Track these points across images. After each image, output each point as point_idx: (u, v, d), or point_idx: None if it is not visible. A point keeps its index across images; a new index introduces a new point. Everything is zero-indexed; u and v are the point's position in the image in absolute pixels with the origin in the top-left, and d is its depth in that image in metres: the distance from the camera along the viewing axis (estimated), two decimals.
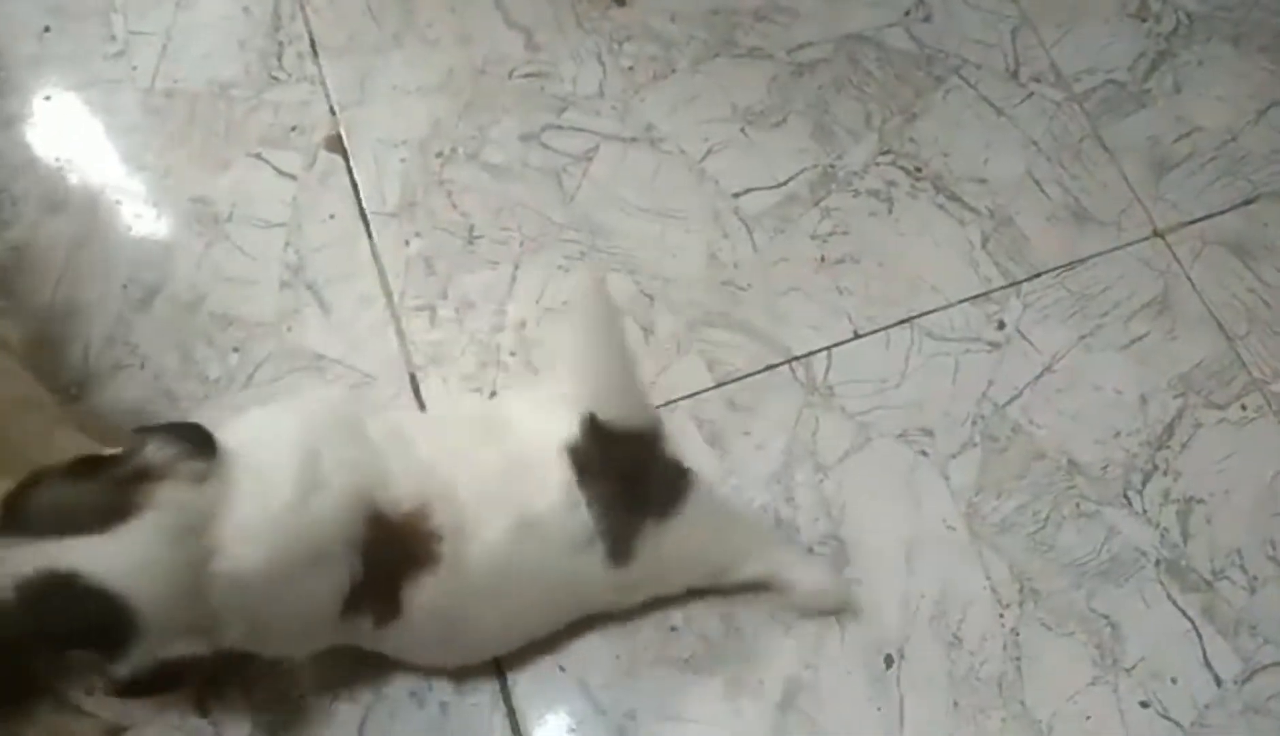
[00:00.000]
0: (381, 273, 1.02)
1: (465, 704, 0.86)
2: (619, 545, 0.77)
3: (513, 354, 0.99)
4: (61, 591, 0.61)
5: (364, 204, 1.05)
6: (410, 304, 1.01)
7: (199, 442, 0.68)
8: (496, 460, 0.77)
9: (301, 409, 0.78)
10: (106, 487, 0.64)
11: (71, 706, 0.85)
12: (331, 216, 1.04)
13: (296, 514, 0.68)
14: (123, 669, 0.63)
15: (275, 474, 0.69)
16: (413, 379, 0.98)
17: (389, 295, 1.01)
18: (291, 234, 1.03)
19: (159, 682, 0.65)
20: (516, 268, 1.03)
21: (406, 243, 1.04)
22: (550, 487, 0.75)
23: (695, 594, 0.89)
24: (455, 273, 1.03)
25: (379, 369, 0.98)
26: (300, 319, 0.99)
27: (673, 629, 0.89)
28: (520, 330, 1.00)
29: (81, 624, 0.63)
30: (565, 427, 0.76)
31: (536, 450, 0.76)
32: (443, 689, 0.86)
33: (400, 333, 1.00)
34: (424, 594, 0.73)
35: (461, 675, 0.86)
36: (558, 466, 0.75)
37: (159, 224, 1.04)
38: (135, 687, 0.65)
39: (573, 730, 0.86)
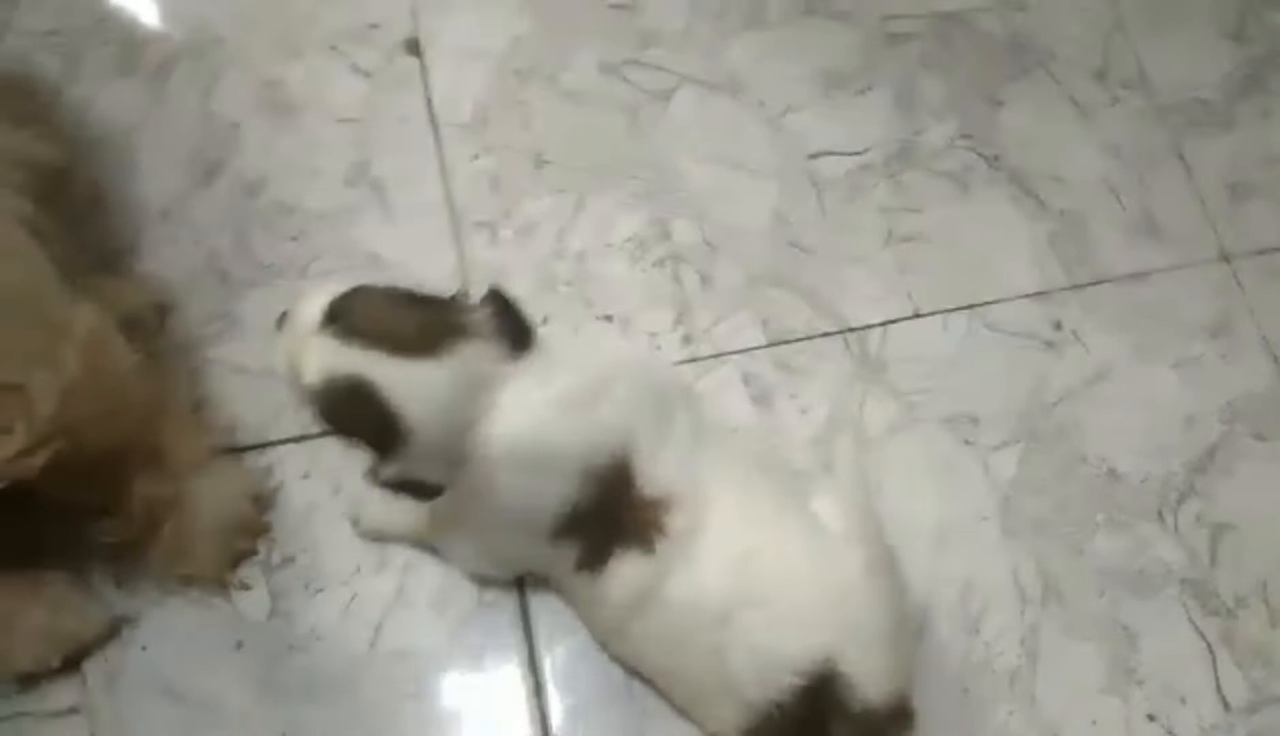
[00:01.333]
0: (446, 184, 1.01)
1: (485, 619, 0.86)
2: None
3: (568, 284, 0.99)
4: (358, 396, 0.70)
5: (436, 112, 1.03)
6: (472, 219, 1.00)
7: (521, 332, 0.74)
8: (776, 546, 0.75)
9: (630, 351, 0.87)
10: (423, 324, 0.72)
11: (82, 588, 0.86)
12: (402, 120, 1.03)
13: (566, 412, 0.72)
14: (381, 470, 0.73)
15: (572, 374, 0.74)
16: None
17: (452, 207, 1.00)
18: (361, 132, 1.02)
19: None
20: (582, 198, 1.02)
21: (475, 157, 1.03)
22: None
23: None
24: (520, 195, 1.02)
25: (434, 280, 0.97)
26: (361, 218, 0.98)
27: None
28: (579, 261, 0.99)
29: (363, 426, 0.72)
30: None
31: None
32: (462, 602, 0.86)
33: (459, 247, 0.99)
34: (625, 569, 0.74)
35: (484, 589, 0.87)
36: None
37: (228, 103, 1.02)
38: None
39: (586, 659, 0.86)
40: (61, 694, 0.83)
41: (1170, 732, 0.88)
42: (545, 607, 0.87)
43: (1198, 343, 1.03)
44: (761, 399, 0.96)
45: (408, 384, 0.70)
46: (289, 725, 0.83)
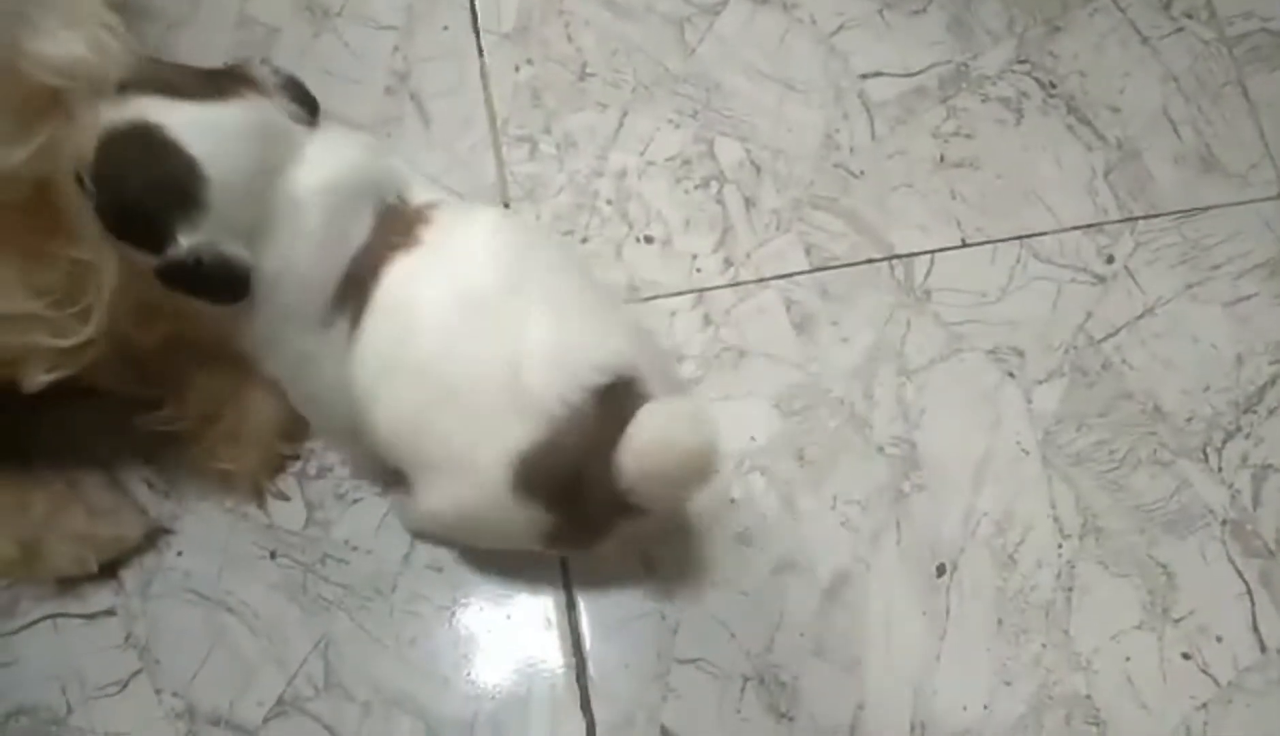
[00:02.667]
0: (488, 95, 0.99)
1: None
2: None
3: (609, 202, 0.97)
4: (144, 139, 0.65)
5: (479, 20, 1.01)
6: (513, 132, 0.98)
7: (310, 100, 0.72)
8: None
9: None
10: (211, 78, 0.69)
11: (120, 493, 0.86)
12: (445, 28, 1.00)
13: (371, 153, 0.73)
14: (182, 241, 0.66)
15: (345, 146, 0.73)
16: (506, 208, 0.96)
17: (493, 119, 0.98)
18: (401, 40, 0.99)
19: (205, 281, 0.68)
20: (625, 114, 0.99)
21: (516, 68, 1.00)
22: None
23: (755, 469, 0.89)
24: (562, 108, 0.99)
25: (473, 192, 0.95)
26: (400, 127, 0.96)
27: (732, 501, 0.89)
28: (620, 179, 0.97)
29: (154, 172, 0.66)
30: None
31: None
32: None
33: (499, 160, 0.97)
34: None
35: None
36: None
37: (265, 5, 1.00)
38: (179, 276, 0.67)
39: (620, 578, 0.86)
40: (97, 596, 0.84)
41: (1205, 671, 0.87)
42: None
43: (1252, 281, 1.00)
44: (802, 326, 0.94)
45: (200, 124, 0.66)
46: (322, 635, 0.84)
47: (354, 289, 0.71)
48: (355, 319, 0.71)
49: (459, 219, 0.73)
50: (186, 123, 0.66)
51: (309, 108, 0.72)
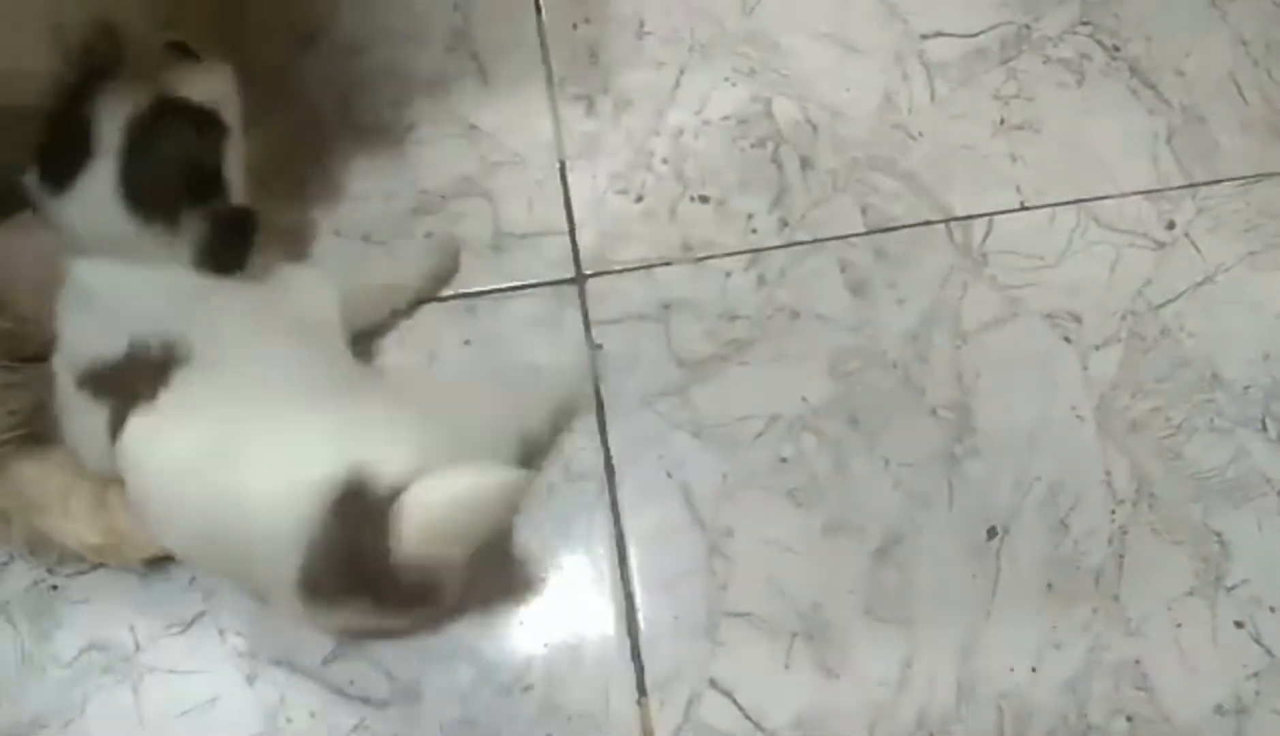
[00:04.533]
0: (546, 53, 0.99)
1: (572, 489, 0.87)
2: None
3: (665, 162, 0.97)
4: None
5: None
6: (570, 91, 0.98)
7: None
8: None
9: None
10: None
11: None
12: None
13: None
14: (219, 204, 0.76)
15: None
16: (562, 167, 0.97)
17: (550, 77, 0.99)
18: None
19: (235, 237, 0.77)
20: (682, 72, 0.99)
21: (574, 27, 1.00)
22: None
23: (808, 429, 0.90)
24: (619, 66, 0.99)
25: (529, 151, 0.96)
26: (459, 85, 0.97)
27: (783, 460, 0.89)
28: (677, 138, 0.97)
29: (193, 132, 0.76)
30: None
31: None
32: (552, 471, 0.88)
33: (556, 118, 0.98)
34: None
35: (572, 461, 0.88)
36: None
37: None
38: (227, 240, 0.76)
39: (670, 535, 0.87)
40: None
41: (1257, 640, 0.87)
42: (631, 480, 0.88)
43: None
44: (857, 288, 0.94)
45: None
46: None
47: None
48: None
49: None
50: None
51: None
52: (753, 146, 0.98)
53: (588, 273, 0.94)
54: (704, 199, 0.96)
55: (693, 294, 0.94)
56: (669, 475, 0.88)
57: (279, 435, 0.72)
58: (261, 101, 0.91)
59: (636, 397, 0.91)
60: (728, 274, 0.94)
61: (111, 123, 0.72)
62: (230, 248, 0.76)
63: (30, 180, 0.74)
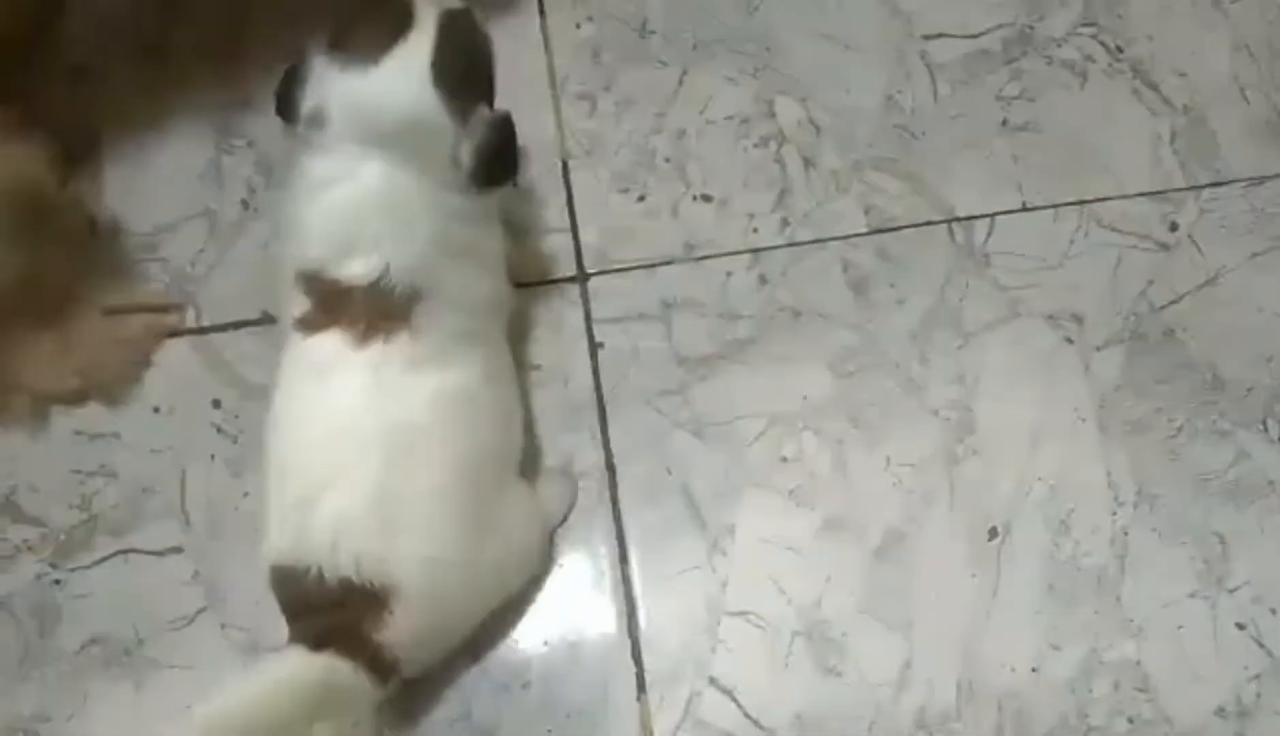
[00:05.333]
0: (549, 51, 0.99)
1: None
2: None
3: (667, 160, 0.97)
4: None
5: None
6: (572, 90, 0.99)
7: None
8: None
9: None
10: None
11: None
12: None
13: None
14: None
15: None
16: (564, 166, 0.97)
17: (553, 76, 0.99)
18: None
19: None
20: (685, 72, 1.00)
21: (577, 26, 1.01)
22: None
23: (808, 429, 0.90)
24: (622, 66, 1.00)
25: (532, 148, 0.96)
26: None
27: (783, 459, 0.89)
28: (679, 137, 0.98)
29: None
30: None
31: None
32: (552, 463, 0.88)
33: (559, 116, 0.98)
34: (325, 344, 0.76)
35: (573, 458, 0.89)
36: None
37: None
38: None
39: (670, 534, 0.87)
40: (164, 534, 0.87)
41: (1259, 642, 0.87)
42: (632, 479, 0.88)
43: None
44: (859, 287, 0.94)
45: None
46: None
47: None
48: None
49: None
50: None
51: None
52: (755, 146, 0.98)
53: (590, 271, 0.94)
54: (706, 198, 0.97)
55: (694, 293, 0.94)
56: (669, 473, 0.89)
57: (396, 490, 0.72)
58: None
59: (637, 396, 0.91)
60: (729, 273, 0.94)
61: (427, 7, 0.74)
62: (507, 153, 0.77)
63: (318, 54, 0.73)
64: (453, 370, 0.75)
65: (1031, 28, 1.02)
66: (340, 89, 0.72)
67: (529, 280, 0.93)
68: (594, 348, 0.92)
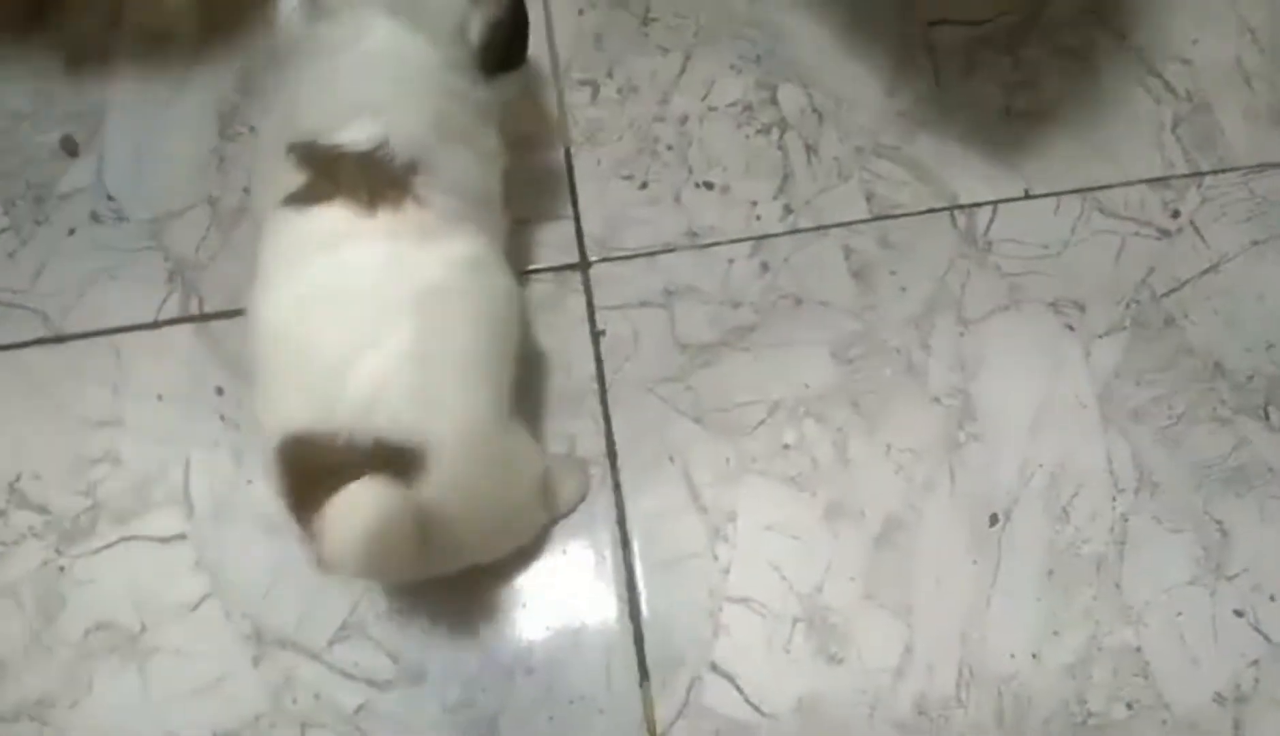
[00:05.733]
0: (551, 38, 0.99)
1: None
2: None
3: (670, 147, 0.97)
4: None
5: None
6: (575, 76, 0.99)
7: None
8: None
9: None
10: None
11: None
12: None
13: None
14: None
15: None
16: (567, 153, 0.97)
17: (555, 62, 0.99)
18: None
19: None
20: (688, 58, 0.99)
21: (580, 12, 1.00)
22: None
23: (810, 415, 0.90)
24: (624, 52, 0.99)
25: (536, 133, 0.96)
26: None
27: (785, 446, 0.89)
28: (682, 124, 0.98)
29: None
30: None
31: None
32: (557, 454, 0.88)
33: (562, 103, 0.98)
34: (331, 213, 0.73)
35: (576, 444, 0.89)
36: None
37: None
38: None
39: (672, 520, 0.88)
40: (170, 521, 0.87)
41: (1257, 628, 0.87)
42: (634, 465, 0.88)
43: None
44: (861, 274, 0.94)
45: None
46: None
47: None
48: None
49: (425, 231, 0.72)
50: None
51: None
52: (758, 133, 0.98)
53: (592, 259, 0.94)
54: (709, 185, 0.97)
55: (696, 280, 0.94)
56: (671, 460, 0.89)
57: (431, 356, 0.70)
58: None
59: (639, 383, 0.91)
60: (731, 260, 0.94)
61: None
62: (515, 34, 0.78)
63: None
64: (461, 241, 0.74)
65: (1036, 14, 1.02)
66: None
67: (531, 267, 0.93)
68: (596, 335, 0.92)
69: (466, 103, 0.76)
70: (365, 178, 0.71)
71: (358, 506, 0.65)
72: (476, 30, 0.75)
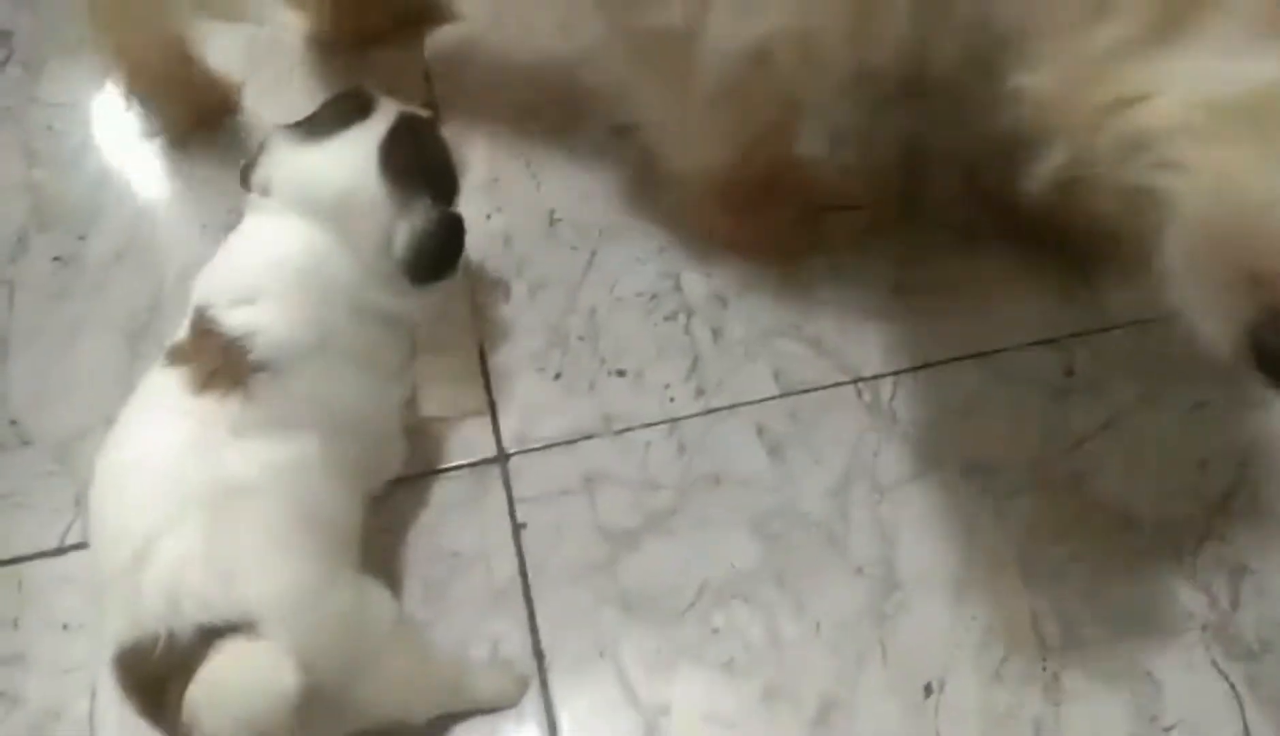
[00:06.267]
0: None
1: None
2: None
3: (581, 338, 1.00)
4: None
5: None
6: (485, 277, 1.02)
7: None
8: None
9: None
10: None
11: None
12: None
13: None
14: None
15: None
16: (481, 351, 0.99)
17: (466, 264, 1.02)
18: None
19: None
20: (594, 254, 1.04)
21: (488, 217, 1.05)
22: None
23: (737, 597, 0.89)
24: (532, 252, 1.03)
25: (450, 337, 0.98)
26: None
27: (714, 630, 0.88)
28: (591, 316, 1.01)
29: None
30: None
31: None
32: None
33: (473, 304, 1.00)
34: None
35: (499, 644, 0.87)
36: None
37: None
38: None
39: (605, 717, 0.85)
40: None
41: None
42: (562, 662, 0.87)
43: (1210, 385, 1.03)
44: (775, 449, 0.96)
45: None
46: None
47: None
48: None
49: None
50: None
51: None
52: (665, 319, 1.01)
53: (510, 451, 0.95)
54: (621, 373, 0.99)
55: (615, 466, 0.95)
56: (601, 654, 0.87)
57: (234, 528, 0.69)
58: None
59: (563, 575, 0.90)
60: (648, 444, 0.96)
61: (391, 105, 0.80)
62: (446, 247, 0.79)
63: (280, 131, 0.78)
64: (284, 445, 0.73)
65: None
66: (288, 159, 0.76)
67: (448, 465, 0.93)
68: (517, 529, 0.92)
69: (371, 320, 0.78)
70: (214, 359, 0.72)
71: (227, 669, 0.63)
72: (402, 242, 0.76)
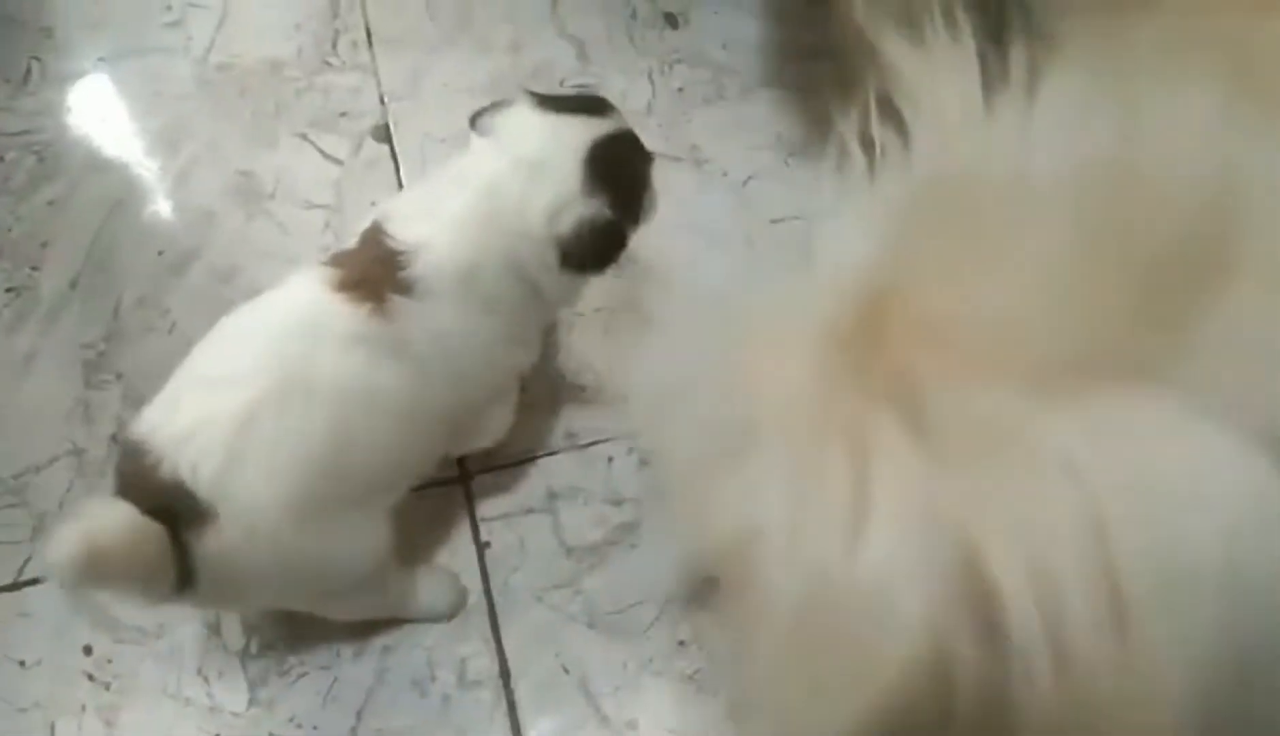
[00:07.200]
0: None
1: (467, 698, 0.85)
2: None
3: (542, 355, 1.00)
4: None
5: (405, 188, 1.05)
6: None
7: None
8: None
9: None
10: None
11: None
12: (373, 203, 1.03)
13: None
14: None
15: None
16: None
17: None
18: (332, 217, 1.04)
19: None
20: None
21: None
22: None
23: (703, 608, 0.89)
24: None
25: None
26: None
27: (680, 643, 0.88)
28: (551, 332, 1.01)
29: None
30: None
31: None
32: (446, 680, 0.85)
33: None
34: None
35: (466, 667, 0.86)
36: None
37: (201, 193, 1.05)
38: None
39: (572, 734, 0.84)
40: None
41: None
42: (528, 680, 0.86)
43: None
44: None
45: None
46: None
47: None
48: None
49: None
50: None
51: None
52: (625, 338, 1.01)
53: (473, 470, 0.95)
54: (582, 388, 0.99)
55: (578, 480, 0.95)
56: (567, 671, 0.87)
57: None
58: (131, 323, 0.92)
59: (528, 593, 0.89)
60: (610, 458, 0.96)
61: (621, 123, 0.83)
62: (598, 244, 0.80)
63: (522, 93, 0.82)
64: (381, 370, 0.74)
65: None
66: (519, 112, 0.80)
67: (412, 485, 0.93)
68: (481, 548, 0.91)
69: (517, 280, 0.80)
70: (368, 269, 0.75)
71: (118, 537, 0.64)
72: (568, 220, 0.78)
